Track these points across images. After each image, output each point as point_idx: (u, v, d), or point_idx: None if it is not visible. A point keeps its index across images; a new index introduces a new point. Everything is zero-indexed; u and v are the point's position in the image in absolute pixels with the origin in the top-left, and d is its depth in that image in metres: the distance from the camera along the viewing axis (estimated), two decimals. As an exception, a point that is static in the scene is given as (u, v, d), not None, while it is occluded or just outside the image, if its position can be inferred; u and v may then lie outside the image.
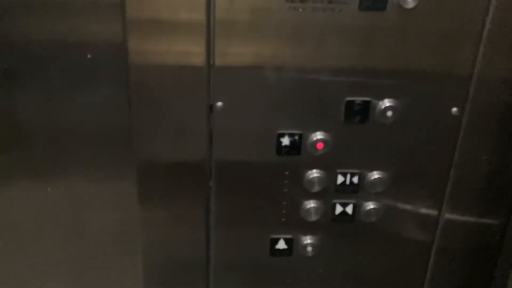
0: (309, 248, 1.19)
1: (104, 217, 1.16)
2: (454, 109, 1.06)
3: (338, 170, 1.12)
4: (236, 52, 1.01)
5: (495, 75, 1.04)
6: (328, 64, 1.02)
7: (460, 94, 1.05)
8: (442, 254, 1.22)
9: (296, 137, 1.08)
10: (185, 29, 0.99)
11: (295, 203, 1.15)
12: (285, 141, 1.08)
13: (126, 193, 1.12)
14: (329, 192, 1.14)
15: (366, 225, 1.18)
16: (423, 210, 1.17)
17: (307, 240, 1.19)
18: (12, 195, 1.13)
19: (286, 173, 1.12)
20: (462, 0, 0.98)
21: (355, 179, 1.13)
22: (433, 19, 0.99)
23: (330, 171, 1.12)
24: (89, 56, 1.00)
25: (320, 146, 1.08)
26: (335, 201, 1.15)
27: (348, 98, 1.05)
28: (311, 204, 1.15)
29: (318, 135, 1.08)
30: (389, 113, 1.05)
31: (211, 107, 1.05)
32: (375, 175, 1.12)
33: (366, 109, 1.06)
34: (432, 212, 1.18)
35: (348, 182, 1.13)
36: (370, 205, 1.15)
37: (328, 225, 1.18)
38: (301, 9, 0.97)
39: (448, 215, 1.18)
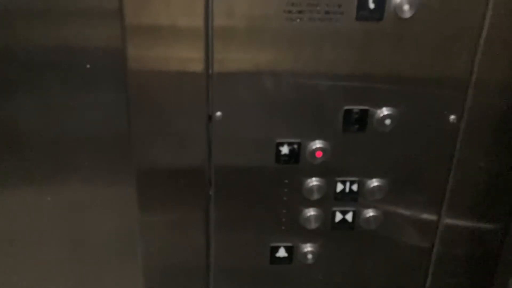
0: (309, 256, 1.19)
1: (104, 224, 1.16)
2: (452, 117, 1.07)
3: (338, 178, 1.12)
4: (234, 59, 1.01)
5: (492, 83, 1.04)
6: (326, 73, 1.03)
7: (458, 102, 1.06)
8: (442, 260, 1.22)
9: (295, 146, 1.08)
10: (183, 35, 0.99)
11: (294, 211, 1.16)
12: (284, 149, 1.09)
13: (126, 200, 1.13)
14: (328, 200, 1.14)
15: (366, 232, 1.18)
16: (423, 217, 1.17)
17: (307, 248, 1.19)
18: (12, 202, 1.13)
19: (286, 181, 1.12)
20: (459, 8, 0.98)
21: (355, 187, 1.13)
22: (430, 27, 0.99)
23: (329, 179, 1.12)
24: (88, 66, 1.00)
25: (319, 154, 1.09)
26: (334, 209, 1.16)
27: (347, 107, 1.05)
28: (310, 212, 1.15)
29: (317, 144, 1.08)
30: (387, 121, 1.06)
31: (210, 117, 1.06)
32: (374, 182, 1.12)
33: (364, 117, 1.06)
34: (432, 218, 1.18)
35: (347, 190, 1.13)
36: (370, 213, 1.15)
37: (328, 232, 1.18)
38: (298, 20, 0.97)
39: (447, 221, 1.18)
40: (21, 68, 1.01)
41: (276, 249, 1.19)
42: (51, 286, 1.22)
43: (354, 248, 1.20)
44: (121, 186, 1.12)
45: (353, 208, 1.15)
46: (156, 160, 1.09)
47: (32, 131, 1.06)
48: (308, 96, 1.04)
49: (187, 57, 1.01)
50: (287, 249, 1.19)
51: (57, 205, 1.13)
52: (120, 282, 1.22)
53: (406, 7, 0.96)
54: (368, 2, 0.96)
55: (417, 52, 1.01)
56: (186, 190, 1.13)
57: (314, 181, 1.12)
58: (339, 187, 1.13)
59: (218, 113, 1.05)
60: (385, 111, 1.05)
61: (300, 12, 0.97)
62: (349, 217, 1.16)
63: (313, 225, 1.16)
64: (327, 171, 1.11)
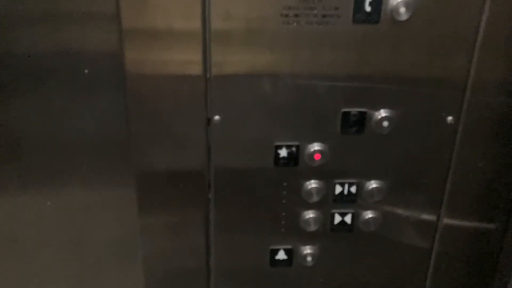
0: (309, 258, 1.20)
1: (104, 227, 1.16)
2: (449, 118, 1.07)
3: (336, 180, 1.13)
4: (232, 62, 1.01)
5: (489, 84, 1.05)
6: (324, 76, 1.03)
7: (455, 103, 1.06)
8: (442, 260, 1.23)
9: (294, 149, 1.09)
10: (181, 39, 0.99)
11: (294, 214, 1.16)
12: (283, 152, 1.09)
13: (126, 203, 1.13)
14: (327, 202, 1.15)
15: (365, 234, 1.18)
16: (422, 218, 1.18)
17: (307, 250, 1.19)
18: (12, 206, 1.13)
19: (285, 184, 1.13)
20: (455, 10, 0.98)
21: (353, 189, 1.13)
22: (427, 29, 0.99)
23: (328, 181, 1.12)
24: (86, 71, 1.01)
25: (317, 157, 1.09)
26: (333, 211, 1.16)
27: (345, 109, 1.05)
28: (310, 214, 1.15)
29: (316, 146, 1.08)
30: (385, 123, 1.06)
31: (208, 120, 1.06)
32: (373, 184, 1.13)
33: (362, 119, 1.06)
34: (431, 219, 1.18)
35: (346, 192, 1.13)
36: (369, 214, 1.16)
37: (327, 235, 1.18)
38: (295, 23, 0.98)
39: (446, 222, 1.18)
40: (20, 73, 1.01)
41: (275, 251, 1.20)
42: (52, 290, 1.23)
43: (354, 249, 1.20)
44: (120, 189, 1.12)
45: (352, 210, 1.16)
46: (155, 163, 1.09)
47: (31, 135, 1.07)
48: (306, 99, 1.05)
49: (185, 60, 1.01)
50: (287, 252, 1.20)
51: (57, 209, 1.14)
52: (121, 285, 1.23)
53: (402, 9, 0.96)
54: (365, 5, 0.96)
55: (414, 54, 1.01)
56: (185, 192, 1.13)
57: (313, 184, 1.12)
58: (338, 189, 1.13)
59: (217, 116, 1.05)
60: (383, 113, 1.05)
61: (296, 15, 0.97)
62: (348, 219, 1.16)
63: (312, 227, 1.16)
64: (326, 173, 1.11)
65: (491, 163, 1.12)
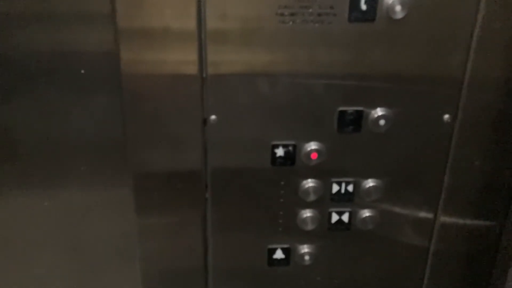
0: (307, 257, 1.20)
1: (101, 228, 1.17)
2: (446, 116, 1.07)
3: (333, 179, 1.13)
4: (228, 62, 1.01)
5: (486, 82, 1.05)
6: (320, 74, 1.03)
7: (452, 101, 1.06)
8: (439, 258, 1.23)
9: (290, 148, 1.08)
10: (177, 38, 0.99)
11: (291, 213, 1.16)
12: (280, 152, 1.09)
13: (123, 204, 1.13)
14: (324, 201, 1.15)
15: (363, 232, 1.18)
16: (419, 216, 1.18)
17: (305, 249, 1.20)
18: (9, 207, 1.13)
19: (282, 183, 1.13)
20: (451, 8, 0.98)
21: (350, 188, 1.13)
22: (423, 28, 0.99)
23: (325, 180, 1.12)
24: (82, 71, 1.00)
25: (314, 156, 1.09)
26: (331, 209, 1.16)
27: (341, 108, 1.05)
28: (307, 213, 1.15)
29: (312, 145, 1.08)
30: (382, 122, 1.06)
31: (205, 120, 1.06)
32: (370, 183, 1.13)
33: (359, 118, 1.06)
34: (428, 217, 1.18)
35: (343, 190, 1.13)
36: (366, 213, 1.16)
37: (325, 233, 1.18)
38: (291, 22, 0.97)
39: (443, 220, 1.18)
40: (16, 74, 1.01)
41: (273, 251, 1.20)
42: (50, 290, 1.23)
43: (351, 248, 1.21)
44: (118, 189, 1.12)
45: (349, 209, 1.16)
46: (152, 163, 1.09)
47: (28, 136, 1.07)
48: (303, 98, 1.04)
49: (181, 60, 1.01)
50: (284, 251, 1.20)
51: (54, 210, 1.14)
52: (119, 285, 1.23)
53: (398, 8, 0.96)
54: (360, 3, 0.96)
55: (410, 52, 1.01)
56: (182, 193, 1.13)
57: (310, 183, 1.12)
58: (335, 188, 1.13)
59: (213, 116, 1.05)
60: (379, 111, 1.05)
61: (292, 14, 0.97)
62: (345, 217, 1.16)
63: (309, 227, 1.16)
64: (323, 172, 1.11)
65: (488, 161, 1.12)
